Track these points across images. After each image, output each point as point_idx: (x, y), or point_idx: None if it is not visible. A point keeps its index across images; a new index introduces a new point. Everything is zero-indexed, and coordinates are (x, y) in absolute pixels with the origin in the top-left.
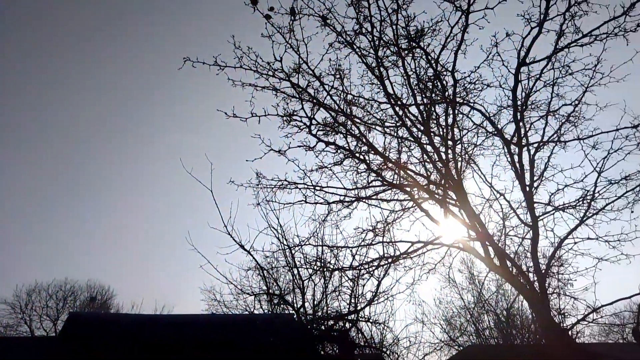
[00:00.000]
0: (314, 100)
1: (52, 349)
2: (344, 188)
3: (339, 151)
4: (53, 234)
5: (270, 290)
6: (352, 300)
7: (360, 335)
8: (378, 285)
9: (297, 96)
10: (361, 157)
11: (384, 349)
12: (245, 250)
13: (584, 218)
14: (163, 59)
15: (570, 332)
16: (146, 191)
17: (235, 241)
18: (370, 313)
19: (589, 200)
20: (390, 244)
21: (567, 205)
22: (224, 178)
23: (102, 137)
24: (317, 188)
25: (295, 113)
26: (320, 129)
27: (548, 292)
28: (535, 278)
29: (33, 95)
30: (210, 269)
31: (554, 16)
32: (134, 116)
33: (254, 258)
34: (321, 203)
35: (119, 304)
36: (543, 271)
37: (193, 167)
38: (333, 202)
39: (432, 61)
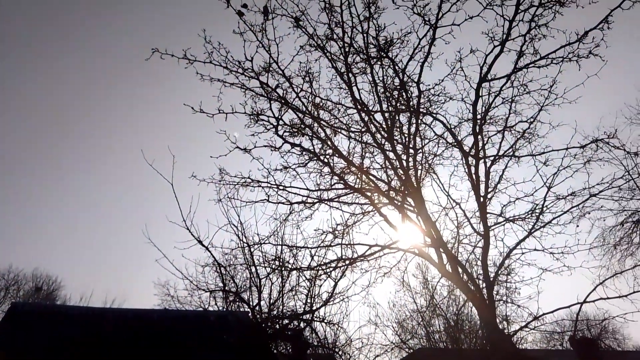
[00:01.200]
0: (282, 101)
1: None
2: (307, 189)
3: (304, 153)
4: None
5: (227, 288)
6: (308, 300)
7: (314, 335)
8: (334, 287)
9: (266, 95)
10: (325, 160)
11: (337, 350)
12: (203, 246)
13: (532, 230)
14: (130, 47)
15: (513, 338)
16: (103, 181)
17: (194, 236)
18: (325, 313)
19: (537, 214)
20: (349, 246)
21: (517, 217)
22: (186, 172)
23: (59, 122)
24: (281, 187)
25: (262, 112)
26: (287, 130)
27: (495, 299)
28: (484, 285)
29: None
30: (166, 264)
31: (515, 37)
32: (97, 104)
33: (211, 254)
34: (283, 203)
35: (67, 295)
36: (491, 279)
37: (155, 159)
38: (295, 203)
39: (399, 71)
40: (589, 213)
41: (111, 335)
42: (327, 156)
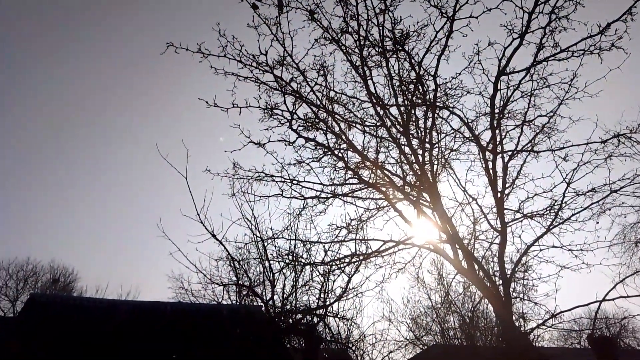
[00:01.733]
0: (297, 95)
1: (10, 330)
2: (321, 184)
3: (318, 148)
4: (18, 211)
5: (240, 282)
6: (322, 295)
7: (327, 330)
8: (348, 282)
9: (280, 89)
10: (339, 154)
11: (350, 345)
12: (217, 239)
13: (551, 227)
14: (144, 43)
15: (529, 336)
16: (119, 175)
17: (208, 230)
18: (338, 309)
19: (556, 210)
20: (363, 241)
21: (535, 213)
22: (201, 166)
23: (77, 117)
24: (295, 182)
25: (277, 106)
26: (301, 124)
27: (512, 296)
28: (501, 282)
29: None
30: (180, 257)
31: (535, 29)
32: (112, 98)
33: (225, 248)
34: (297, 197)
35: (83, 287)
36: (508, 276)
37: (169, 153)
38: (309, 197)
39: (415, 64)
40: (609, 210)
41: (125, 327)
42: (342, 151)
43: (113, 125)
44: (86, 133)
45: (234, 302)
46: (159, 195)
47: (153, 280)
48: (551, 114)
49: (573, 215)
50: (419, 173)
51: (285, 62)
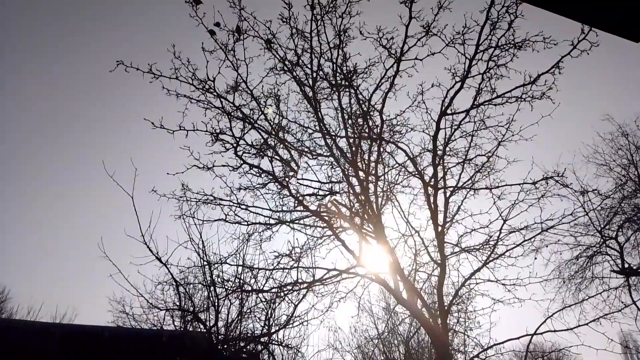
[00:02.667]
0: (247, 120)
1: None
2: (270, 209)
3: (262, 175)
4: None
5: (184, 306)
6: (267, 323)
7: (271, 358)
8: (294, 310)
9: (228, 114)
10: (284, 182)
11: None
12: (161, 262)
13: (487, 261)
14: (93, 58)
15: None
16: (61, 191)
17: (152, 252)
18: (284, 336)
19: (492, 245)
20: (306, 269)
21: (472, 247)
22: (147, 187)
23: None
24: (243, 207)
25: (223, 132)
26: (247, 150)
27: (450, 328)
28: (439, 314)
29: None
30: (121, 279)
31: (475, 74)
32: (59, 111)
33: (169, 271)
34: (241, 223)
35: (13, 307)
36: (446, 308)
37: (115, 171)
38: (252, 223)
39: (362, 100)
40: (539, 250)
41: (56, 352)
42: (287, 179)
43: (56, 138)
44: (23, 146)
45: (178, 327)
46: (102, 214)
47: (92, 303)
48: (489, 154)
49: (507, 251)
50: (365, 203)
51: (239, 88)
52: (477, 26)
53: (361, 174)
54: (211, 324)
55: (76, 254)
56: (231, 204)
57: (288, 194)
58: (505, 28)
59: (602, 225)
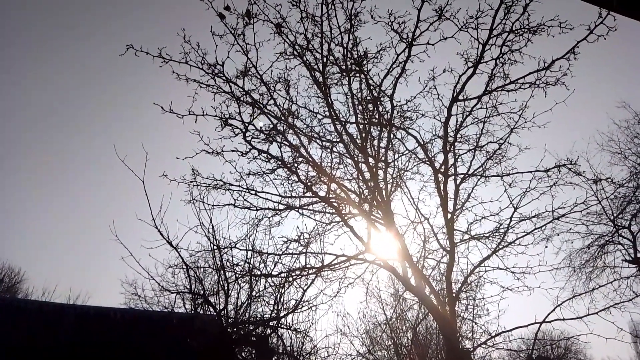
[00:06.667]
0: (256, 105)
1: None
2: (279, 195)
3: (271, 160)
4: None
5: (194, 290)
6: (276, 307)
7: (280, 342)
8: (302, 294)
9: (237, 99)
10: (292, 168)
11: (302, 357)
12: (171, 246)
13: (496, 249)
14: (104, 43)
15: (474, 354)
16: (73, 175)
17: (162, 236)
18: (292, 321)
19: (502, 233)
20: (315, 255)
21: (482, 235)
22: (158, 171)
23: (27, 114)
24: (252, 192)
25: (232, 117)
26: (256, 136)
27: (458, 315)
28: (447, 301)
29: None
30: (132, 262)
31: (488, 60)
32: (69, 98)
33: (179, 255)
34: (250, 208)
35: (28, 289)
36: (454, 295)
37: (127, 155)
38: (262, 209)
39: (372, 87)
40: (550, 238)
41: (70, 332)
42: (296, 164)
43: (66, 123)
44: (36, 131)
45: (188, 310)
46: (114, 198)
47: (105, 285)
48: (501, 141)
49: (517, 239)
50: (374, 190)
51: (249, 73)
52: (491, 10)
53: (371, 160)
54: (221, 307)
55: (89, 237)
56: (240, 189)
57: (297, 180)
58: (519, 12)
59: (615, 214)
